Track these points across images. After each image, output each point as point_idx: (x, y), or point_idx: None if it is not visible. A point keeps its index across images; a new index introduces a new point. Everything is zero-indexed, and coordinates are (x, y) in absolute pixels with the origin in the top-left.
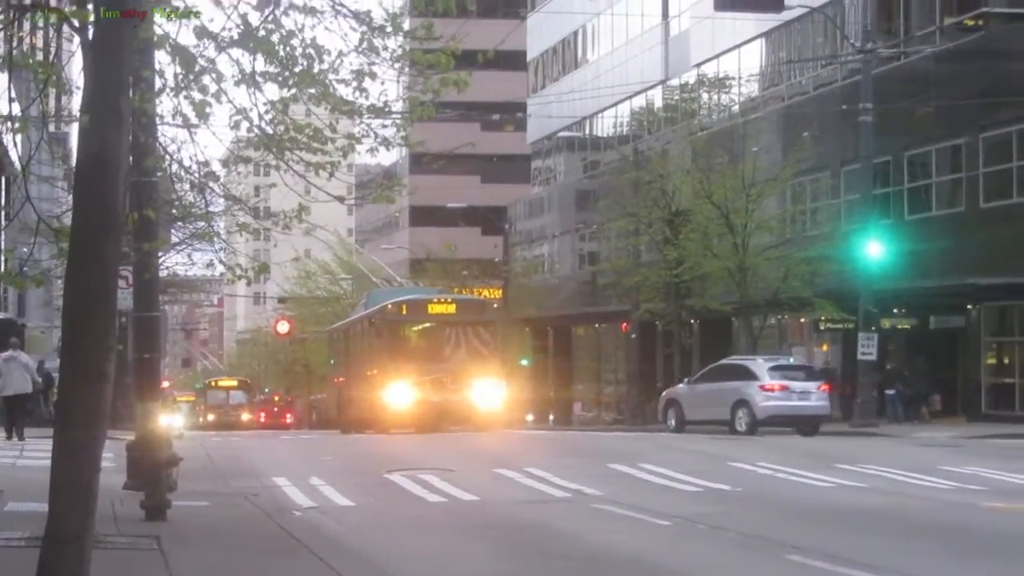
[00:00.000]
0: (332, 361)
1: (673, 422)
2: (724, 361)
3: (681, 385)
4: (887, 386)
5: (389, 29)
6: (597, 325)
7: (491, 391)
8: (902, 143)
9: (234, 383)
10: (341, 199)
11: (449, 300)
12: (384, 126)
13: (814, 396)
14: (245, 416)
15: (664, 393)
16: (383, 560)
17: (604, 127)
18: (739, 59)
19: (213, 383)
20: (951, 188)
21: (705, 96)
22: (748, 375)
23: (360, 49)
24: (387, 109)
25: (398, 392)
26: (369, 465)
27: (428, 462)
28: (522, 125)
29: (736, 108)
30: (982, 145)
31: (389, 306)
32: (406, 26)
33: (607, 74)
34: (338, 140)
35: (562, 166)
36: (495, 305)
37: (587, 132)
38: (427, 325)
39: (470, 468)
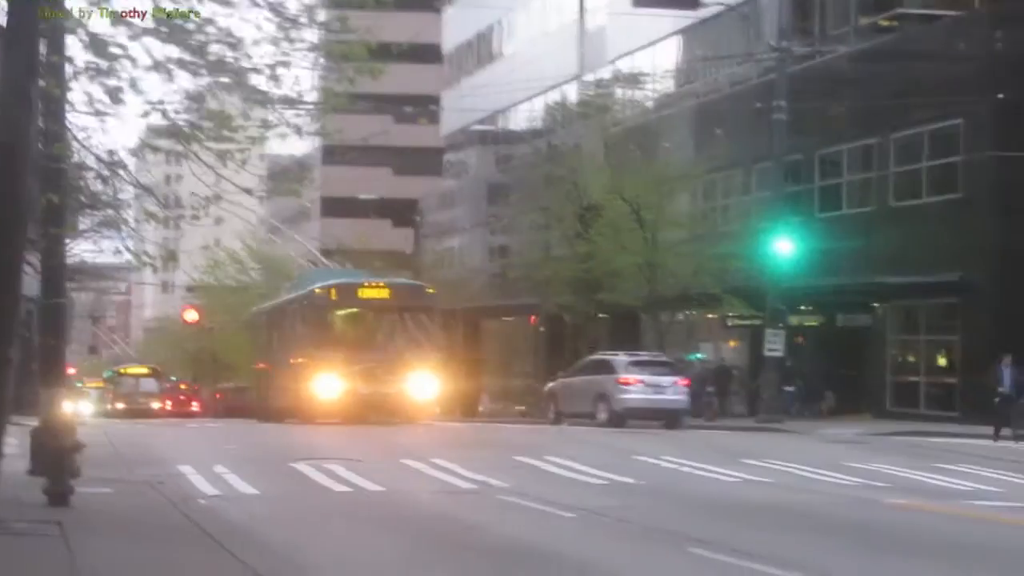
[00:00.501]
0: (255, 346)
1: (552, 414)
2: (591, 356)
3: (560, 379)
4: (786, 383)
5: (304, 20)
6: (506, 318)
7: (426, 383)
8: (814, 142)
9: (145, 371)
10: (250, 191)
11: (382, 284)
12: (297, 115)
13: (670, 390)
14: (155, 405)
15: (547, 386)
16: (287, 549)
17: (518, 121)
18: (654, 56)
19: (123, 370)
20: (862, 187)
21: (619, 92)
22: (609, 369)
23: (275, 39)
24: (300, 99)
25: (325, 382)
26: (275, 454)
27: (335, 451)
28: (435, 118)
29: (650, 104)
30: (893, 145)
31: (317, 290)
32: (321, 17)
33: (522, 68)
34: (249, 128)
35: (475, 159)
36: (431, 291)
37: (500, 126)
38: (358, 311)
39: (377, 458)
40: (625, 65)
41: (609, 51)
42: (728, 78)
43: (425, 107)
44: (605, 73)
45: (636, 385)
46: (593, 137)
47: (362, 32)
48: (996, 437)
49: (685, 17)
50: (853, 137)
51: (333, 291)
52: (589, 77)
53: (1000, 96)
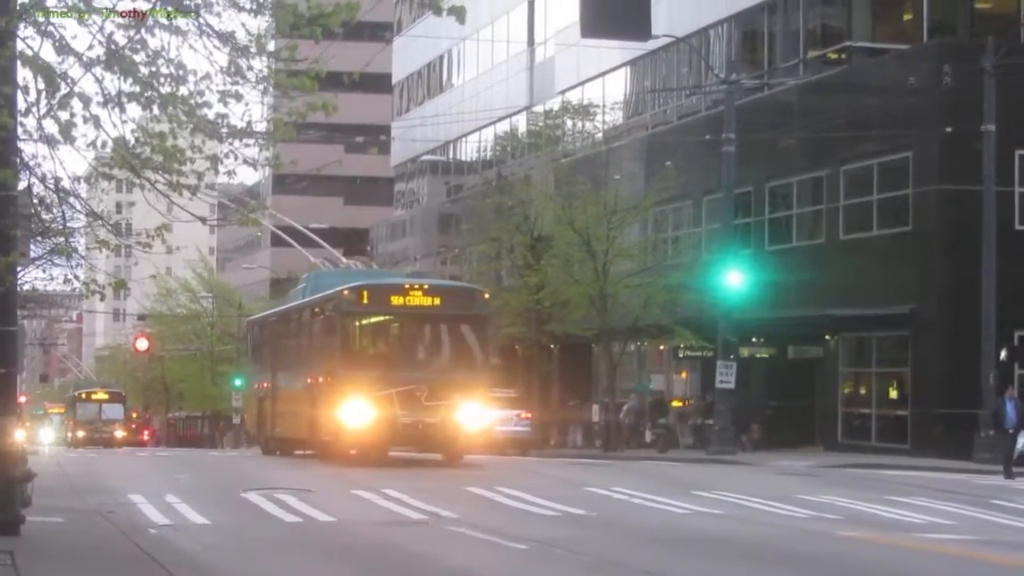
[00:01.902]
0: (252, 361)
1: None
2: None
3: None
4: (706, 416)
5: (253, 50)
6: None
7: (477, 410)
8: (764, 174)
9: (106, 396)
10: (203, 219)
11: (426, 287)
12: (247, 146)
13: (513, 422)
14: (119, 433)
15: None
16: None
17: (468, 151)
18: (604, 87)
19: (83, 395)
20: (812, 219)
21: (569, 123)
22: None
23: (225, 70)
24: (250, 130)
25: (352, 409)
26: (226, 484)
27: (285, 482)
28: (386, 148)
29: (600, 136)
30: (843, 177)
31: (346, 292)
32: (271, 47)
33: (472, 99)
34: (197, 161)
35: (425, 189)
36: (487, 296)
37: (451, 156)
38: (395, 319)
39: (328, 488)
40: (575, 96)
41: (559, 82)
42: (677, 110)
43: (376, 137)
44: (555, 104)
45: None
46: (543, 168)
47: (312, 62)
48: (1008, 475)
49: (634, 49)
50: (802, 169)
51: (365, 294)
52: (539, 108)
53: (948, 130)
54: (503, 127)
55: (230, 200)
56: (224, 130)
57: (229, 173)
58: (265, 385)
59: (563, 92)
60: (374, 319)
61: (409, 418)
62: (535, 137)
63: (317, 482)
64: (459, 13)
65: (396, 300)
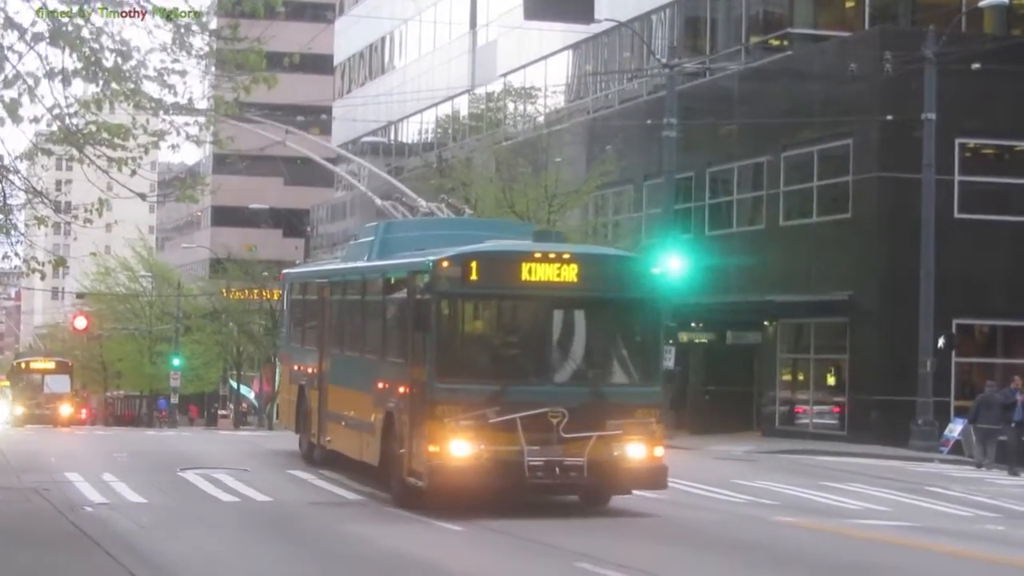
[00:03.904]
0: (290, 328)
1: None
2: None
3: None
4: None
5: (195, 28)
6: None
7: (648, 438)
8: (705, 159)
9: (51, 365)
10: (143, 196)
11: (569, 255)
12: (188, 124)
13: None
14: (66, 409)
15: None
16: (173, 559)
17: (409, 133)
18: (546, 70)
19: (23, 365)
20: (752, 205)
21: (511, 106)
22: None
23: (168, 46)
24: (192, 107)
25: (452, 441)
26: (164, 463)
27: (223, 461)
28: (327, 129)
29: (541, 119)
30: (783, 164)
31: (444, 262)
32: (212, 25)
33: (414, 81)
34: (140, 136)
35: (366, 171)
36: (656, 269)
37: (392, 138)
38: (522, 305)
39: (264, 468)
40: (517, 79)
41: (501, 65)
42: (619, 94)
43: (317, 117)
44: (496, 87)
45: None
46: (484, 151)
47: (253, 41)
48: (1013, 471)
49: (577, 32)
50: (743, 155)
51: (475, 266)
52: (480, 91)
53: (889, 117)
54: (445, 109)
55: (170, 178)
56: (167, 106)
57: (173, 147)
58: (310, 370)
59: (505, 75)
60: (488, 305)
61: (540, 457)
62: (476, 120)
63: (253, 462)
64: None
65: (522, 275)
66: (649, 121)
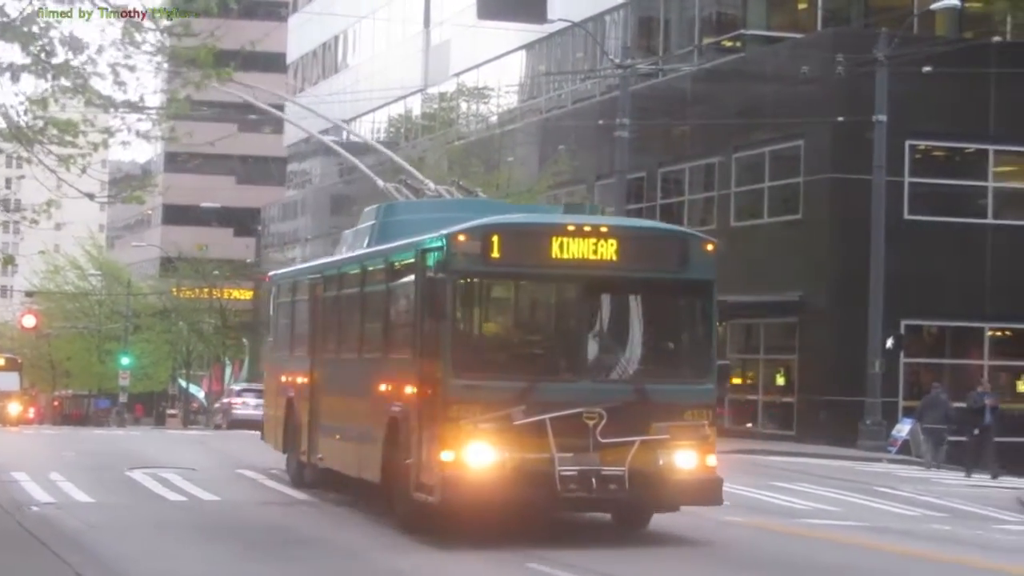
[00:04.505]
0: (277, 336)
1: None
2: None
3: None
4: None
5: (149, 24)
6: None
7: (699, 444)
8: (657, 160)
9: (0, 362)
10: (91, 196)
11: (606, 228)
12: (140, 120)
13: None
14: (15, 408)
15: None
16: (121, 559)
17: (362, 132)
18: (499, 70)
19: None
20: (703, 206)
21: (464, 106)
22: (230, 393)
23: (118, 42)
24: (143, 104)
25: (471, 446)
26: (111, 462)
27: (170, 460)
28: (279, 128)
29: (494, 119)
30: (735, 165)
31: (461, 236)
32: (165, 21)
33: (367, 80)
34: (91, 134)
35: (318, 170)
36: (711, 247)
37: (344, 137)
38: (552, 287)
39: (212, 468)
40: (470, 79)
41: (454, 65)
42: (572, 94)
43: (269, 116)
44: (450, 86)
45: (241, 404)
46: (437, 150)
47: (206, 37)
48: (969, 474)
49: (531, 32)
50: (695, 156)
51: (496, 240)
52: (434, 90)
53: (840, 119)
54: (397, 109)
55: (120, 177)
56: (118, 102)
57: (124, 144)
58: (300, 380)
59: (458, 75)
60: (512, 286)
61: (574, 466)
62: (429, 119)
63: (201, 461)
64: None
65: (553, 251)
66: (601, 121)
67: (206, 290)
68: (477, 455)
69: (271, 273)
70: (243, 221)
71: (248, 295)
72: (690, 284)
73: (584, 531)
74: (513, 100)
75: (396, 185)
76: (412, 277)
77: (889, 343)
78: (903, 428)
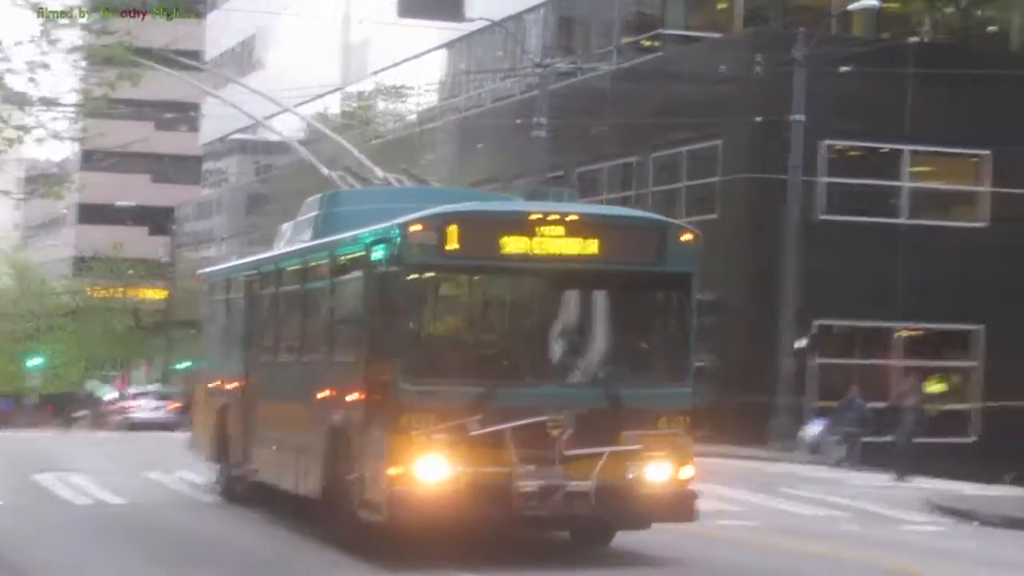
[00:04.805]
0: (209, 339)
1: None
2: None
3: None
4: None
5: (64, 21)
6: None
7: (676, 453)
8: (575, 159)
9: None
10: (7, 193)
11: (576, 216)
12: (55, 119)
13: (163, 410)
14: None
15: None
16: (25, 564)
17: (280, 130)
18: (418, 69)
19: None
20: (621, 205)
21: (382, 104)
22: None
23: (35, 39)
24: (59, 101)
25: (424, 457)
26: (17, 465)
27: (78, 463)
28: (195, 126)
29: (413, 118)
30: (652, 164)
31: (416, 226)
32: (82, 19)
33: (284, 78)
34: (5, 130)
35: (234, 168)
36: (691, 237)
37: (261, 135)
38: (516, 281)
39: (120, 470)
40: (389, 78)
41: (373, 63)
42: (491, 93)
43: (185, 114)
44: (368, 85)
45: (136, 407)
46: (353, 149)
47: (123, 35)
48: (901, 477)
49: (450, 30)
50: (613, 155)
51: (455, 230)
52: (352, 88)
53: (758, 119)
54: (315, 107)
55: (35, 175)
56: (33, 99)
57: (40, 141)
58: (233, 386)
59: (377, 73)
60: (471, 281)
61: (537, 480)
62: (348, 118)
63: (109, 464)
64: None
65: (517, 242)
66: (520, 120)
67: (121, 290)
68: (429, 469)
69: (202, 272)
70: (158, 220)
71: (162, 295)
72: (667, 277)
73: (541, 549)
74: (432, 99)
75: (341, 173)
76: (360, 272)
77: (802, 343)
78: (814, 429)
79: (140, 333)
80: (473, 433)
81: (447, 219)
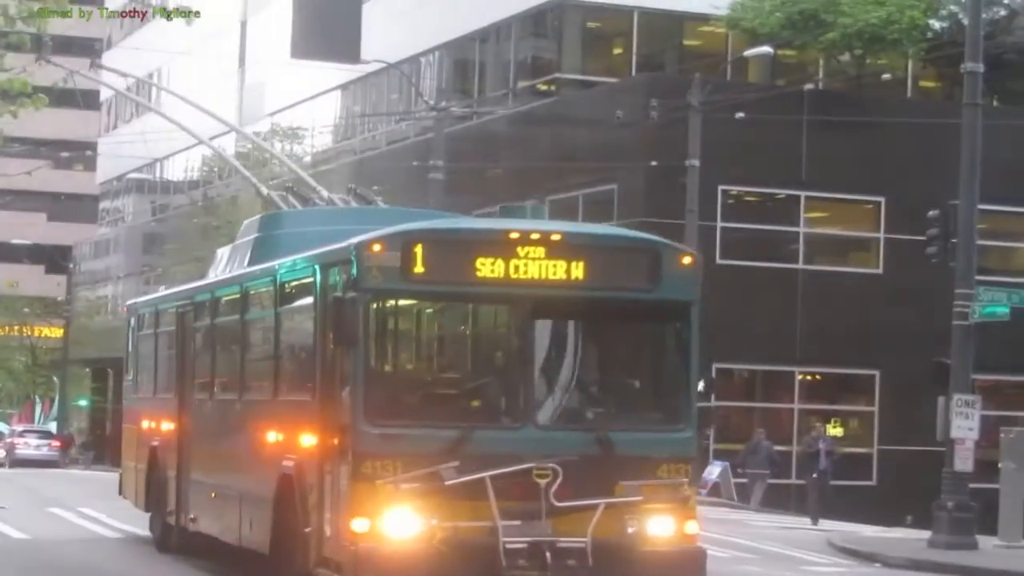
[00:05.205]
0: (136, 376)
1: None
2: None
3: None
4: None
5: None
6: None
7: (672, 507)
8: (471, 202)
9: None
10: None
11: (559, 236)
12: None
13: (46, 448)
14: None
15: None
16: None
17: (175, 171)
18: (314, 110)
19: None
20: None
21: (278, 145)
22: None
23: None
24: None
25: (390, 511)
26: None
27: None
28: (92, 164)
29: (308, 159)
30: (549, 208)
31: (375, 245)
32: None
33: (181, 117)
34: None
35: (131, 208)
36: (689, 260)
37: (158, 175)
38: (492, 311)
39: (23, 506)
40: (284, 119)
41: (269, 104)
42: (387, 136)
43: (82, 153)
44: (264, 126)
45: (22, 445)
46: (250, 189)
47: (18, 72)
48: (816, 521)
49: (346, 72)
50: (509, 198)
51: (419, 248)
52: (248, 129)
53: (654, 163)
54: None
55: None
56: None
57: None
58: (166, 426)
59: (273, 114)
60: (439, 309)
61: (523, 537)
62: (243, 159)
63: (11, 499)
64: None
65: (491, 265)
66: (416, 163)
67: (17, 327)
68: (399, 524)
69: (130, 303)
70: (55, 258)
71: (59, 333)
72: (664, 306)
73: None
74: (327, 140)
75: (281, 193)
76: (310, 299)
77: (700, 386)
78: (714, 470)
79: (37, 370)
80: (449, 482)
81: (411, 237)
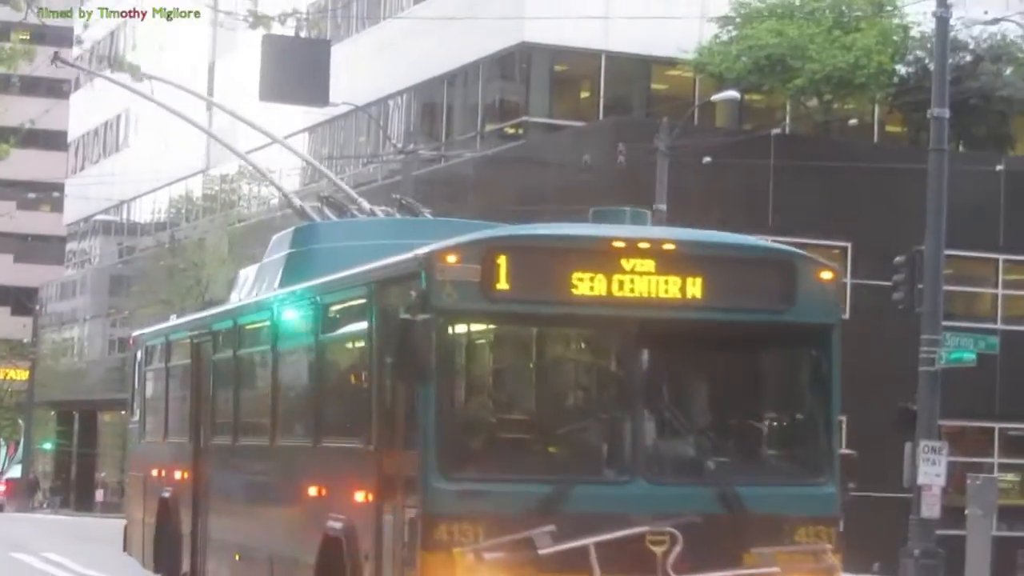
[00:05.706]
0: (144, 418)
1: None
2: None
3: None
4: None
5: None
6: (124, 412)
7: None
8: None
9: None
10: None
11: (669, 244)
12: None
13: None
14: None
15: None
16: None
17: (142, 213)
18: (282, 152)
19: None
20: None
21: (245, 187)
22: None
23: None
24: None
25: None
26: None
27: None
28: (59, 206)
29: (275, 201)
30: None
31: (450, 255)
32: None
33: (148, 159)
34: None
35: (98, 249)
36: (830, 276)
37: (125, 217)
38: (589, 331)
39: None
40: (255, 159)
41: (236, 146)
42: (354, 178)
43: (48, 194)
44: (232, 168)
45: None
46: (217, 231)
47: None
48: None
49: (314, 114)
50: None
51: (504, 260)
52: (215, 171)
53: (622, 208)
54: (178, 189)
55: None
56: None
57: None
58: (179, 475)
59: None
60: (529, 335)
61: None
62: (210, 201)
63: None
64: (134, 71)
65: (591, 281)
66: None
67: None
68: None
69: (136, 334)
70: (20, 300)
71: (24, 375)
72: (800, 330)
73: None
74: (296, 182)
75: (316, 205)
76: (363, 324)
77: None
78: None
79: (2, 413)
80: (544, 551)
81: (494, 246)
